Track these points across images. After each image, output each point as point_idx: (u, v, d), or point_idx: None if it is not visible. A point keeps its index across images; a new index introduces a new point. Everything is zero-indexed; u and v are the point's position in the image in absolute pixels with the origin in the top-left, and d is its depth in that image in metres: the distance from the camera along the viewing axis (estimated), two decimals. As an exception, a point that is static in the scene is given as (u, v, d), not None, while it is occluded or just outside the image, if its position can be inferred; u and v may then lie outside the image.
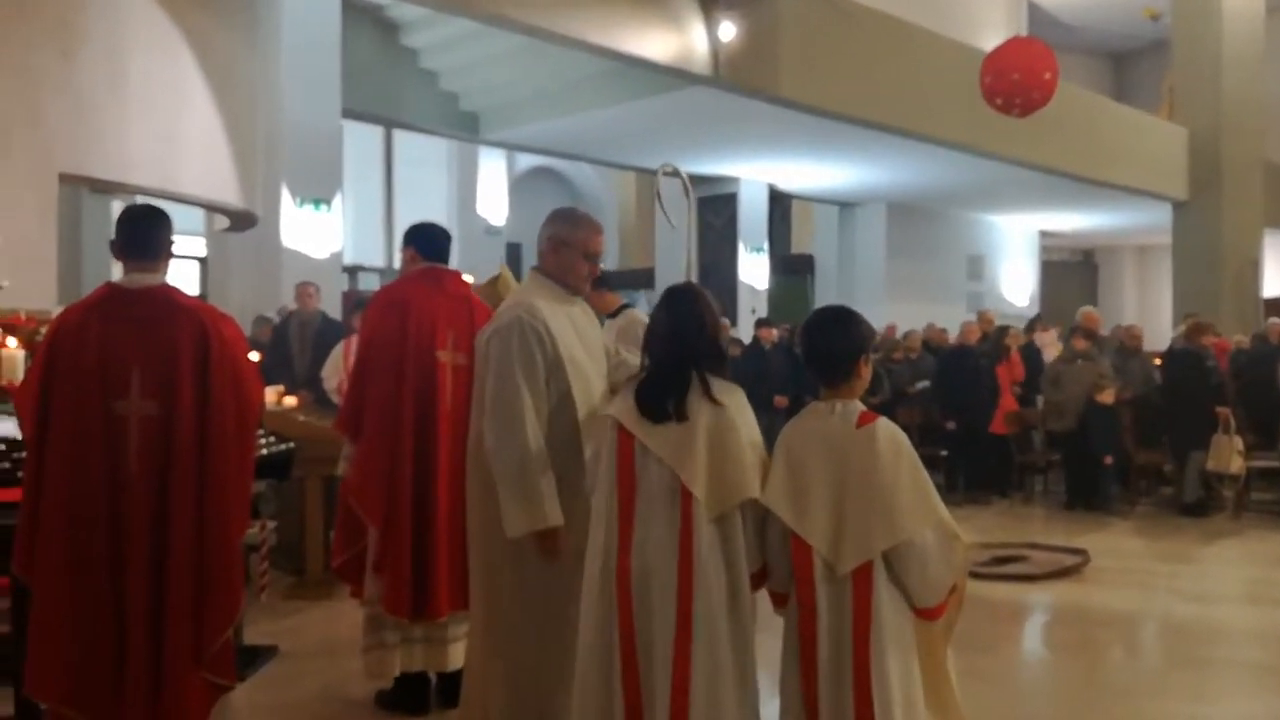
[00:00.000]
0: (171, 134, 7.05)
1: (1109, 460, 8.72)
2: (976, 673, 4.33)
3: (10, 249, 5.27)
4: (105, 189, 7.25)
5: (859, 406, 2.54)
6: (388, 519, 3.71)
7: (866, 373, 2.58)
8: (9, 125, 5.99)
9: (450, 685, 3.77)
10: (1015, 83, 6.83)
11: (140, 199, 7.52)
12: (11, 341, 4.78)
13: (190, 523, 2.99)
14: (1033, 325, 12.58)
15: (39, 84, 6.17)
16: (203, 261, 11.66)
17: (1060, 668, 4.95)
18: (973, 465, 9.44)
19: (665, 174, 4.54)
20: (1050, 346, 10.83)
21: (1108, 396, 8.72)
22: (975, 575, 6.09)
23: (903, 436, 2.50)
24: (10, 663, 3.14)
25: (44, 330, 5.07)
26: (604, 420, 2.74)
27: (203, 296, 11.11)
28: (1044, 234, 20.06)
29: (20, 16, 6.10)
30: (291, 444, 4.88)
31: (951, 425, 9.42)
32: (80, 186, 7.08)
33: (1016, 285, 19.14)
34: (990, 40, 13.46)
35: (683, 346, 2.66)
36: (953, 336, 10.76)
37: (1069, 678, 4.74)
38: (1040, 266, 20.09)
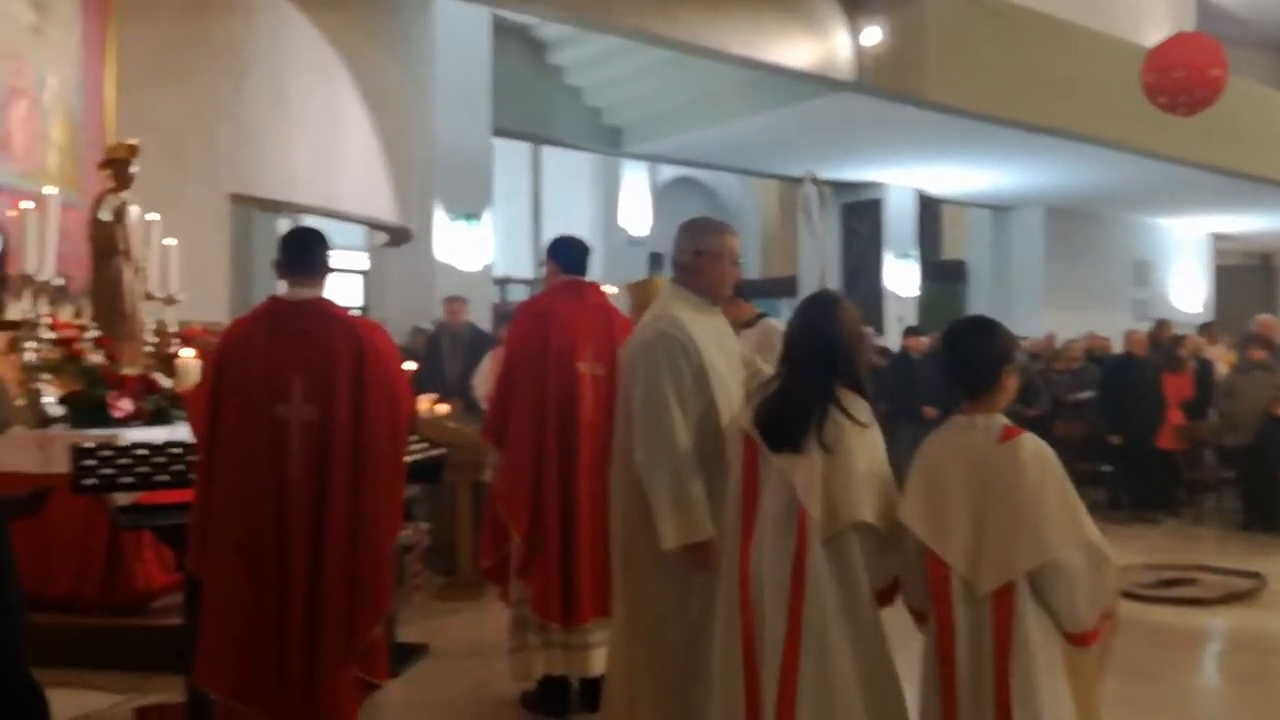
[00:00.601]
0: (331, 154, 7.42)
1: (1289, 477, 8.13)
2: (1140, 701, 4.11)
3: (186, 265, 5.64)
4: (271, 208, 7.68)
5: (1002, 420, 2.44)
6: (533, 526, 3.80)
7: (1011, 384, 2.49)
8: (185, 150, 6.43)
9: (591, 690, 3.82)
10: (1180, 80, 6.47)
11: (304, 217, 7.94)
12: (187, 351, 5.11)
13: (345, 523, 3.13)
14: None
15: (211, 110, 6.60)
16: (364, 275, 12.18)
17: (1232, 698, 4.64)
18: (1139, 482, 8.95)
19: (812, 182, 4.47)
20: (1220, 359, 10.18)
21: (1284, 409, 8.15)
22: (1141, 598, 5.78)
23: (1049, 452, 2.39)
24: (183, 655, 3.33)
25: (216, 340, 5.44)
26: (734, 428, 2.76)
27: (364, 308, 11.64)
28: (1216, 237, 18.91)
29: (194, 46, 6.54)
30: (443, 449, 5.03)
31: (1116, 439, 8.97)
32: (249, 206, 7.52)
33: (1187, 291, 18.10)
34: (1155, 36, 12.79)
35: (814, 368, 2.61)
36: (1118, 345, 10.25)
37: (1242, 709, 4.44)
38: (1213, 271, 18.95)
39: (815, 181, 2.80)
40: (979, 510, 2.36)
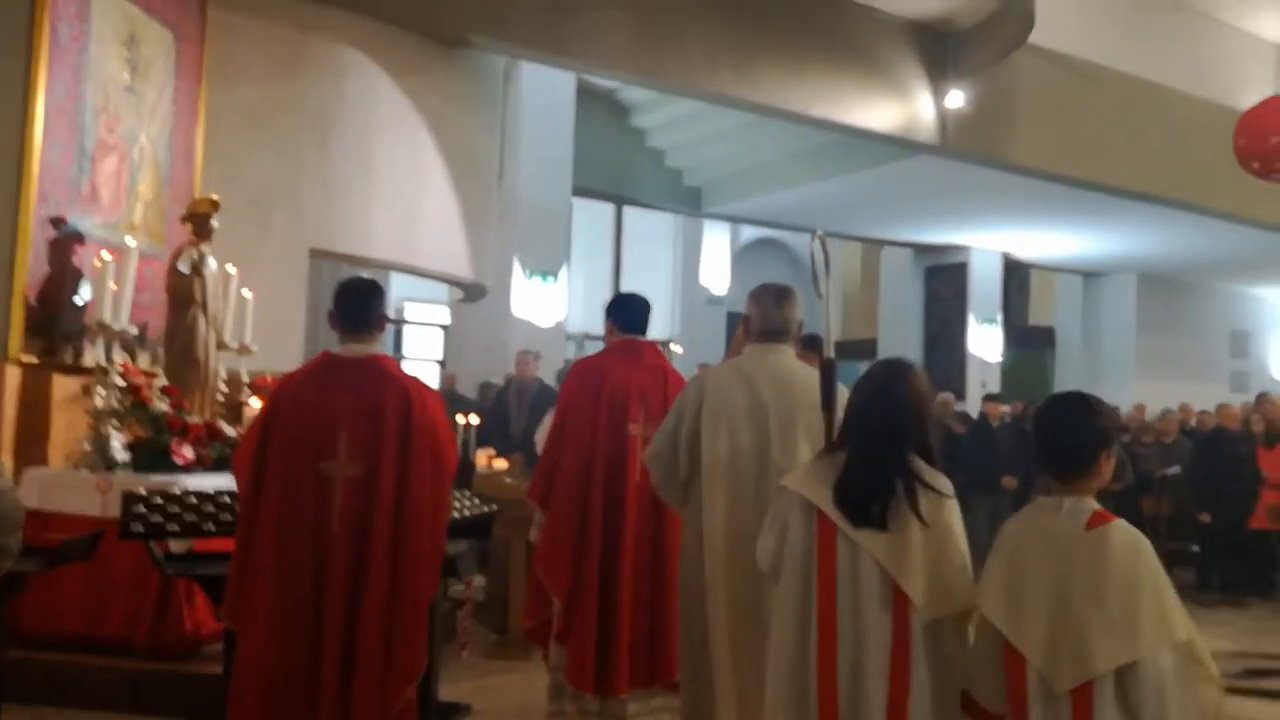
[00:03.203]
0: (412, 213, 7.59)
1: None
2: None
3: (263, 317, 5.78)
4: (351, 263, 7.87)
5: (1092, 505, 2.25)
6: (572, 591, 3.74)
7: (1108, 469, 2.31)
8: (271, 207, 6.64)
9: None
10: (1275, 146, 6.22)
11: (384, 273, 8.11)
12: (256, 402, 5.23)
13: (384, 581, 3.11)
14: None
15: (297, 168, 6.81)
16: (445, 329, 12.40)
17: (1325, 806, 4.31)
18: (1229, 563, 8.51)
19: (819, 240, 4.35)
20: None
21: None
22: (1226, 689, 5.45)
23: (1144, 543, 2.19)
24: (222, 705, 3.34)
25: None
26: (791, 497, 2.55)
27: (443, 362, 11.83)
28: (1323, 307, 18.13)
29: (285, 111, 6.79)
30: (494, 506, 5.02)
31: (1206, 518, 8.55)
32: (330, 260, 7.71)
33: (1289, 364, 17.36)
34: (1253, 99, 12.42)
35: (887, 440, 2.47)
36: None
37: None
38: (1318, 342, 18.13)
39: (823, 240, 2.76)
40: (1058, 600, 2.18)
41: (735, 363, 3.36)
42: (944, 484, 2.45)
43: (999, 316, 14.57)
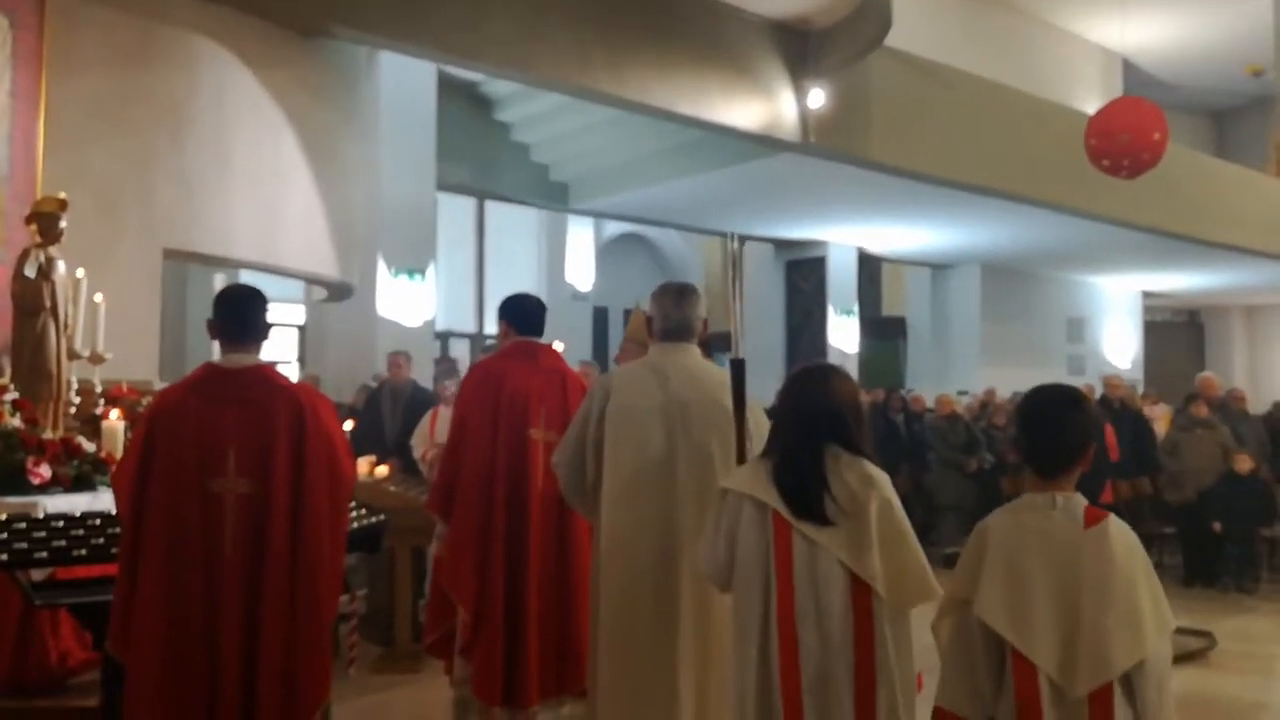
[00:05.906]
0: (273, 211, 7.24)
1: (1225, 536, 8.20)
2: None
3: (116, 322, 5.40)
4: (209, 263, 7.46)
5: (1082, 501, 2.20)
6: (479, 603, 3.63)
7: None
8: (122, 205, 6.22)
9: (539, 774, 3.64)
10: (1124, 144, 6.61)
11: (242, 273, 7.73)
12: (113, 413, 4.87)
13: (283, 601, 2.97)
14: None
15: (148, 164, 6.40)
16: (301, 329, 11.93)
17: (1189, 766, 4.58)
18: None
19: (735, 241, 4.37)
20: (1159, 420, 10.34)
21: (1245, 464, 8.28)
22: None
23: (1134, 536, 2.19)
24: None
25: (145, 401, 5.19)
26: (737, 499, 2.53)
27: (300, 362, 11.39)
28: (1147, 294, 19.44)
29: (135, 103, 6.36)
30: (382, 516, 4.85)
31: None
32: (185, 261, 7.29)
33: (1118, 347, 18.54)
34: (1086, 100, 13.20)
35: (807, 438, 2.49)
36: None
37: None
38: (1143, 327, 19.44)
39: (741, 241, 2.79)
40: (1068, 604, 2.12)
41: (644, 360, 3.31)
42: (874, 473, 2.46)
43: (855, 308, 15.02)
